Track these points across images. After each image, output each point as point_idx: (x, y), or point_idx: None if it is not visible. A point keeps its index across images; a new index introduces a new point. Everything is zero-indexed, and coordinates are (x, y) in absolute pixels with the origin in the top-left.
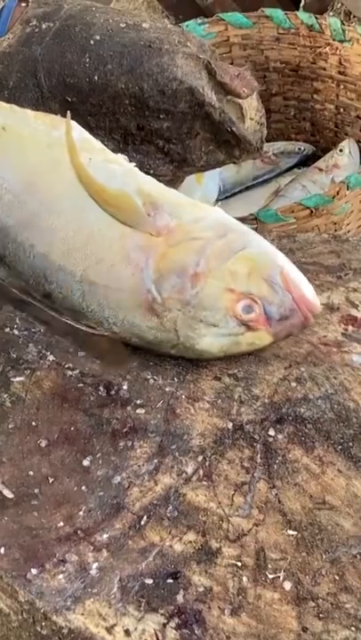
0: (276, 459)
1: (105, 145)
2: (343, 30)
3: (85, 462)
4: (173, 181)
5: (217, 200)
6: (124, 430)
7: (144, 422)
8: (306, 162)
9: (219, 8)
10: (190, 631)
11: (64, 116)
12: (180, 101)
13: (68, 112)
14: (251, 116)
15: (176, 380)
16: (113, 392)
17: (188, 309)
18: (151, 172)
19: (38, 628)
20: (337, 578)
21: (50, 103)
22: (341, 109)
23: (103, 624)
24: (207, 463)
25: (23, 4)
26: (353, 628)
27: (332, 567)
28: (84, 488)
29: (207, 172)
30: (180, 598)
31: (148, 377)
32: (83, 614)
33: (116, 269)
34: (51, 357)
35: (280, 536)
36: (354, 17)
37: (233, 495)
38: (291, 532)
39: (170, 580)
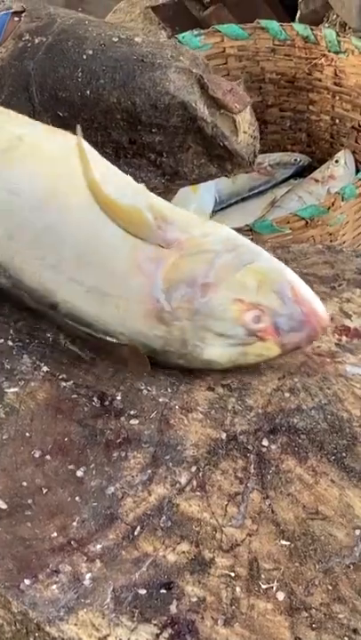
0: (270, 469)
1: None
2: (339, 41)
3: (79, 473)
4: (165, 193)
5: (213, 211)
6: (118, 441)
7: (138, 433)
8: (302, 173)
9: (215, 19)
10: None
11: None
12: (173, 116)
13: (79, 127)
14: (244, 129)
15: (170, 390)
16: (107, 403)
17: (197, 318)
18: (143, 184)
19: (32, 639)
20: (330, 588)
21: (42, 118)
22: (337, 120)
23: (96, 635)
24: (201, 473)
25: (16, 19)
26: (346, 639)
27: (326, 577)
28: (77, 499)
29: (203, 183)
30: (173, 609)
31: (142, 387)
32: (76, 625)
33: (126, 280)
34: (45, 368)
35: (273, 546)
36: (349, 28)
37: (226, 505)
38: (284, 543)
39: (163, 591)
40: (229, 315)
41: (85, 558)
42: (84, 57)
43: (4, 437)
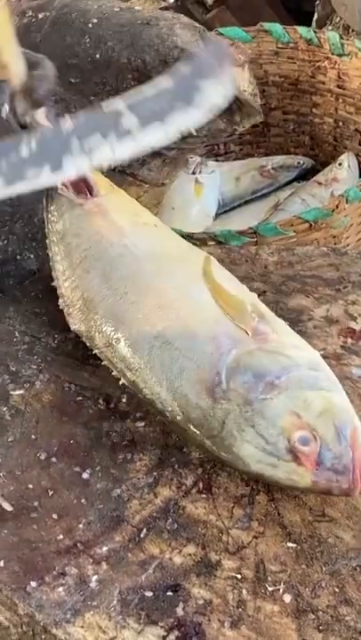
0: None
1: None
2: (342, 44)
3: (85, 475)
4: (177, 160)
5: (216, 214)
6: (124, 443)
7: (143, 435)
8: (305, 176)
9: (218, 22)
10: None
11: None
12: None
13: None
14: (244, 87)
15: None
16: (112, 405)
17: (246, 409)
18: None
19: None
20: (337, 590)
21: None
22: (340, 123)
23: (103, 637)
24: (207, 475)
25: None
26: None
27: (332, 579)
28: (83, 501)
29: (206, 186)
30: (179, 611)
31: None
32: (82, 627)
33: (197, 341)
34: (50, 371)
35: (280, 548)
36: (352, 31)
37: (233, 507)
38: (290, 545)
39: (170, 593)
40: (280, 423)
41: (91, 560)
42: (90, 25)
43: (9, 440)
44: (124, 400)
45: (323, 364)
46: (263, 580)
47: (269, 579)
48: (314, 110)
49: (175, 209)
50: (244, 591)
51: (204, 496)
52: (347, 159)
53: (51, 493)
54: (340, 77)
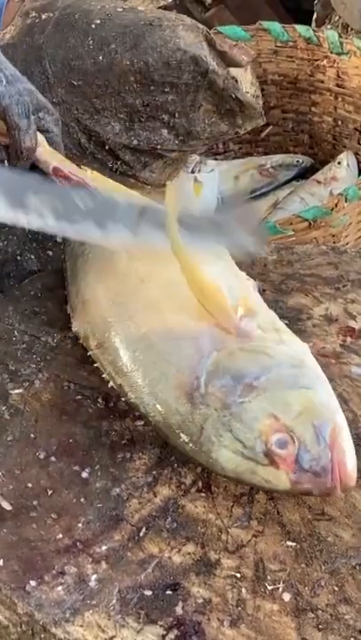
0: None
1: (112, 126)
2: (341, 43)
3: (84, 474)
4: (179, 160)
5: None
6: (123, 442)
7: (142, 434)
8: (304, 174)
9: (217, 21)
10: None
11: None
12: (185, 72)
13: None
14: (246, 89)
15: None
16: (111, 404)
17: (224, 413)
18: (158, 147)
19: None
20: (336, 589)
21: (56, 89)
22: (339, 122)
23: (102, 636)
24: (206, 474)
25: (17, 0)
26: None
27: (332, 578)
28: (82, 500)
29: (206, 184)
30: (179, 610)
31: None
32: (82, 626)
33: (178, 343)
34: (49, 370)
35: (279, 547)
36: (351, 30)
37: (232, 506)
38: (290, 543)
39: (169, 592)
40: (258, 426)
41: (91, 559)
42: (93, 26)
43: (8, 439)
44: (123, 399)
45: (307, 358)
46: (263, 578)
47: (269, 577)
48: (313, 109)
49: None
50: (243, 590)
51: (203, 495)
52: (346, 158)
53: (50, 492)
54: (339, 76)
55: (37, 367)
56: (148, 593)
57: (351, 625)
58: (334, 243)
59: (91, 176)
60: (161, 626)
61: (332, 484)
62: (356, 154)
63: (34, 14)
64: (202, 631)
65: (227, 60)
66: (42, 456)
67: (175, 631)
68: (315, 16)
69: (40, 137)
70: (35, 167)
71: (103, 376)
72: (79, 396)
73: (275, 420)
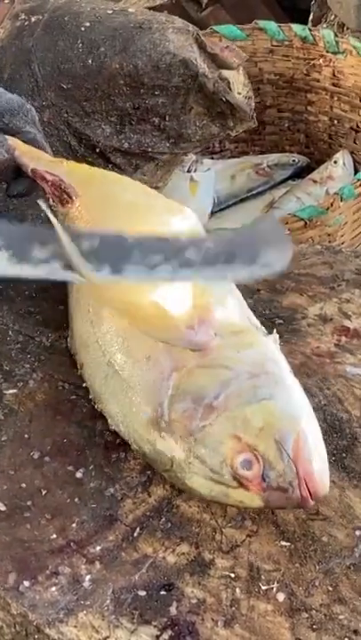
0: None
1: (102, 129)
2: (337, 42)
3: (78, 474)
4: (170, 162)
5: (212, 212)
6: (117, 442)
7: None
8: (300, 174)
9: (213, 20)
10: None
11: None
12: (175, 75)
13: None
14: (238, 90)
15: None
16: None
17: (189, 440)
18: (149, 150)
19: None
20: (330, 589)
21: (45, 93)
22: (335, 121)
23: (96, 636)
24: None
25: (6, 1)
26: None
27: (326, 578)
28: (76, 500)
29: (202, 184)
30: (173, 610)
31: None
32: (76, 627)
33: (141, 368)
34: (44, 370)
35: (273, 547)
36: (347, 29)
37: (226, 506)
38: (284, 543)
39: (163, 592)
40: (222, 450)
41: (85, 560)
42: (82, 29)
43: (2, 439)
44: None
45: (268, 363)
46: (257, 578)
47: (263, 578)
48: (309, 108)
49: None
50: (237, 590)
51: None
52: (342, 157)
53: (44, 493)
54: (334, 75)
55: (32, 367)
56: (142, 593)
57: (345, 625)
58: (330, 242)
59: (66, 168)
60: (155, 626)
61: (303, 497)
62: (351, 153)
63: (23, 17)
64: (196, 631)
65: (218, 63)
66: (36, 456)
67: (169, 631)
68: (311, 16)
69: (15, 141)
70: (20, 172)
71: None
72: (73, 396)
73: (237, 440)
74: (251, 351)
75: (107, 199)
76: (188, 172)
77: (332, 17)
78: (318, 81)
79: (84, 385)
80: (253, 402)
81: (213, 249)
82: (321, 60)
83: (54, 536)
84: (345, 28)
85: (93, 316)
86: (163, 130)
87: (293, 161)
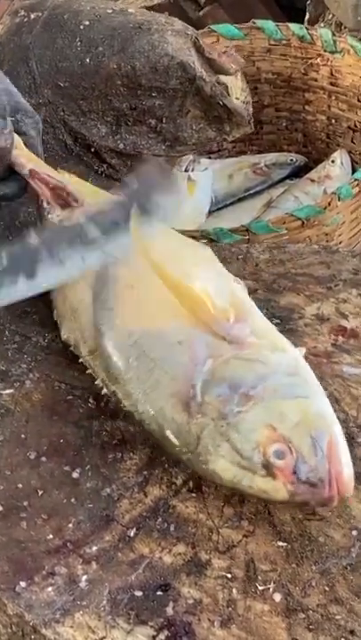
0: None
1: (98, 129)
2: (334, 41)
3: (75, 474)
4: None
5: (209, 211)
6: (114, 442)
7: (133, 434)
8: (298, 173)
9: (211, 19)
10: None
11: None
12: (172, 78)
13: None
14: (236, 95)
15: None
16: (102, 404)
17: (221, 423)
18: (145, 152)
19: None
20: (327, 589)
21: (42, 90)
22: (333, 120)
23: (93, 637)
24: (197, 475)
25: None
26: None
27: (323, 578)
28: (73, 500)
29: (199, 183)
30: (169, 610)
31: None
32: (72, 627)
33: (173, 351)
34: (40, 370)
35: (270, 547)
36: (345, 28)
37: (223, 506)
38: (281, 544)
39: (159, 592)
40: (255, 436)
41: (81, 560)
42: (82, 27)
43: None
44: (114, 399)
45: (302, 365)
46: (253, 579)
47: (259, 578)
48: (307, 107)
49: None
50: (234, 590)
51: (194, 495)
52: (339, 156)
53: (40, 493)
54: (332, 74)
55: (28, 367)
56: (139, 593)
57: (342, 625)
58: (327, 241)
59: (68, 179)
60: (151, 626)
61: (330, 495)
62: (349, 152)
63: (23, 13)
64: (192, 632)
65: (215, 68)
66: (32, 456)
67: (166, 632)
68: (307, 16)
69: (17, 139)
70: (11, 171)
71: (96, 382)
72: (70, 396)
73: (272, 430)
74: (285, 355)
75: None
76: (186, 171)
77: (330, 16)
78: (316, 80)
79: (87, 371)
80: (291, 397)
81: (109, 216)
82: (319, 60)
83: (50, 536)
84: (343, 28)
85: (110, 303)
86: (159, 132)
87: (291, 160)
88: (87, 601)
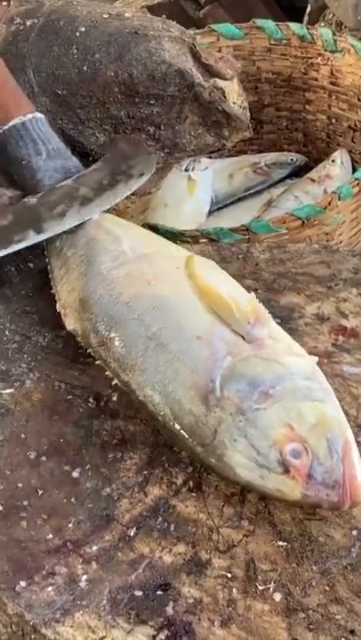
0: None
1: (96, 137)
2: (335, 41)
3: (75, 474)
4: (164, 169)
5: (209, 211)
6: (114, 442)
7: (133, 434)
8: (298, 172)
9: (211, 19)
10: None
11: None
12: (170, 85)
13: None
14: (233, 100)
15: None
16: (102, 404)
17: (239, 418)
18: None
19: None
20: (327, 589)
21: (40, 98)
22: (333, 120)
23: (92, 636)
24: (197, 474)
25: (4, 3)
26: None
27: (323, 578)
28: (73, 500)
29: (199, 183)
30: (169, 610)
31: None
32: (72, 627)
33: (192, 344)
34: (40, 369)
35: (270, 547)
36: (345, 27)
37: (223, 506)
38: (281, 543)
39: (159, 592)
40: (272, 434)
41: (81, 560)
42: (78, 34)
43: None
44: (114, 399)
45: (318, 372)
46: (253, 578)
47: (260, 577)
48: (307, 107)
49: (168, 206)
50: (234, 590)
51: (194, 495)
52: (340, 156)
53: (40, 492)
54: (332, 74)
55: (28, 367)
56: (139, 593)
57: (342, 625)
58: (328, 241)
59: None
60: (151, 626)
61: (343, 497)
62: (350, 152)
63: (18, 20)
64: (192, 631)
65: (212, 73)
66: (32, 456)
67: (166, 631)
68: (308, 9)
69: None
70: None
71: (107, 373)
72: (70, 396)
73: (290, 429)
74: (302, 360)
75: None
76: (186, 170)
77: (331, 15)
78: (316, 80)
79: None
80: (308, 400)
81: (99, 180)
82: (319, 59)
83: (50, 536)
84: (343, 27)
85: (127, 296)
86: (157, 139)
87: (291, 160)
88: (87, 600)
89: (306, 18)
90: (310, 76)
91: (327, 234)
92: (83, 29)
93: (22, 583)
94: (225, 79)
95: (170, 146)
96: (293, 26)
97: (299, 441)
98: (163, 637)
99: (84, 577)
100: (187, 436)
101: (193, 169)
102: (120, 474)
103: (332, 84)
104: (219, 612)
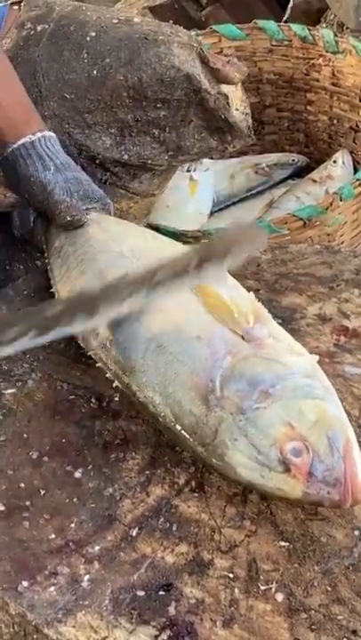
0: None
1: (102, 140)
2: (336, 42)
3: (77, 474)
4: (167, 171)
5: (211, 212)
6: (116, 442)
7: (135, 434)
8: (300, 173)
9: (212, 20)
10: None
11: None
12: (177, 89)
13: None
14: (236, 106)
15: None
16: (104, 404)
17: (239, 418)
18: (149, 162)
19: None
20: (329, 589)
21: (48, 102)
22: (335, 120)
23: (95, 636)
24: (199, 474)
25: (15, 8)
26: None
27: (325, 578)
28: (75, 500)
29: (201, 183)
30: (171, 610)
31: None
32: (74, 627)
33: (192, 345)
34: (42, 370)
35: (272, 547)
36: (347, 28)
37: (225, 506)
38: (283, 544)
39: (162, 592)
40: (273, 433)
41: (83, 560)
42: (88, 39)
43: (1, 439)
44: (116, 399)
45: (318, 370)
46: (255, 579)
47: (262, 578)
48: (308, 108)
49: (170, 207)
50: (236, 590)
51: (196, 495)
52: (341, 156)
53: (43, 493)
54: (334, 75)
55: (30, 367)
56: (141, 593)
57: (344, 625)
58: (329, 242)
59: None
60: (154, 626)
61: (344, 495)
62: (351, 152)
63: (29, 25)
64: (194, 631)
65: (219, 78)
66: (35, 456)
67: (168, 631)
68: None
69: None
70: None
71: (107, 375)
72: (72, 396)
73: (290, 428)
74: (302, 359)
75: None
76: (188, 171)
77: (332, 16)
78: (318, 80)
79: (94, 362)
80: (308, 398)
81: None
82: (320, 60)
83: (53, 536)
84: (344, 28)
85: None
86: (162, 142)
87: (293, 160)
88: (89, 600)
89: (288, 12)
90: (312, 77)
91: (329, 234)
92: (93, 34)
93: (24, 583)
94: (232, 83)
95: (174, 148)
96: (295, 27)
97: (299, 439)
98: (165, 637)
99: (87, 577)
100: (188, 436)
101: (195, 169)
102: (122, 474)
103: (333, 84)
104: (221, 612)
